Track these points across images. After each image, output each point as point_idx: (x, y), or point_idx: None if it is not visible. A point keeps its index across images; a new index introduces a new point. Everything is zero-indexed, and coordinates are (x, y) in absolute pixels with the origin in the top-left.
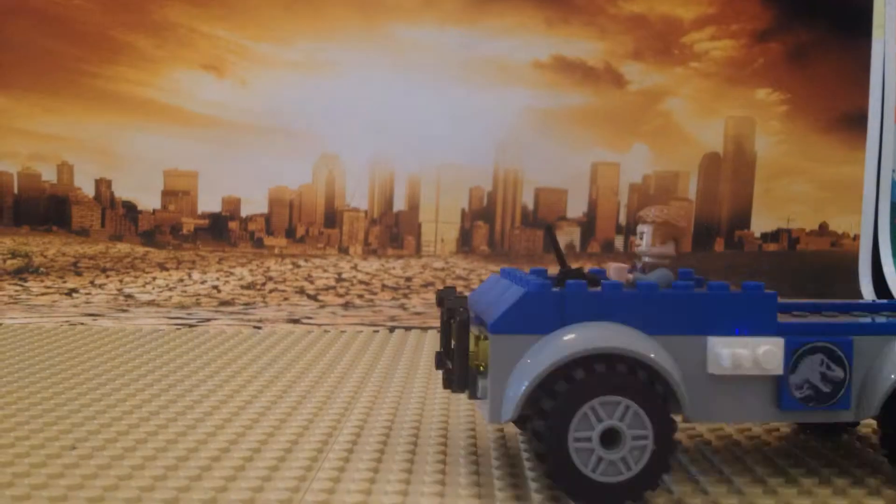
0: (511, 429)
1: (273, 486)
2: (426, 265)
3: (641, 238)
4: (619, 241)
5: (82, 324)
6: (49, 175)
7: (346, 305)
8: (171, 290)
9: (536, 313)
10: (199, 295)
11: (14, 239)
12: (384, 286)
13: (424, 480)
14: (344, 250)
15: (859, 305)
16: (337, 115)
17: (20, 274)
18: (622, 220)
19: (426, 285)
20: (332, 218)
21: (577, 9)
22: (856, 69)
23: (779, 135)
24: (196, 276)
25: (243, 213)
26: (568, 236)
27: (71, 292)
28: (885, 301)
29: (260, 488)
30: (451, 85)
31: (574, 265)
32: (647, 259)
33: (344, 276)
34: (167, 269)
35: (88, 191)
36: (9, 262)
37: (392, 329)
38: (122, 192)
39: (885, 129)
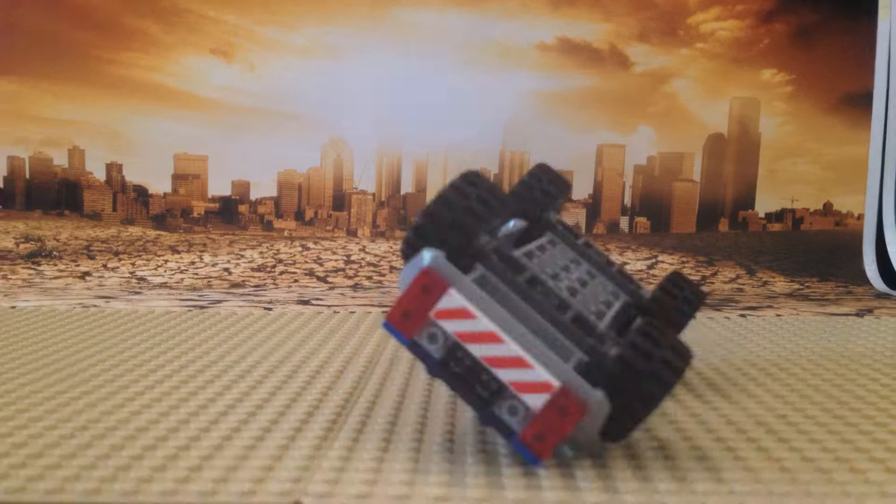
0: None
1: (283, 465)
2: None
3: None
4: (624, 222)
5: (95, 306)
6: (60, 160)
7: (354, 287)
8: (182, 272)
9: None
10: (211, 277)
11: (27, 223)
12: (392, 268)
13: (432, 459)
14: (352, 233)
15: None
16: (344, 98)
17: (33, 258)
18: (627, 201)
19: None
20: (341, 201)
21: None
22: (861, 49)
23: (783, 115)
24: (207, 258)
25: (253, 197)
26: (574, 218)
27: (84, 275)
28: None
29: (270, 468)
30: (457, 68)
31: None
32: None
33: (353, 258)
34: (178, 252)
35: (100, 175)
36: (22, 245)
37: None
38: (133, 176)
39: (890, 109)
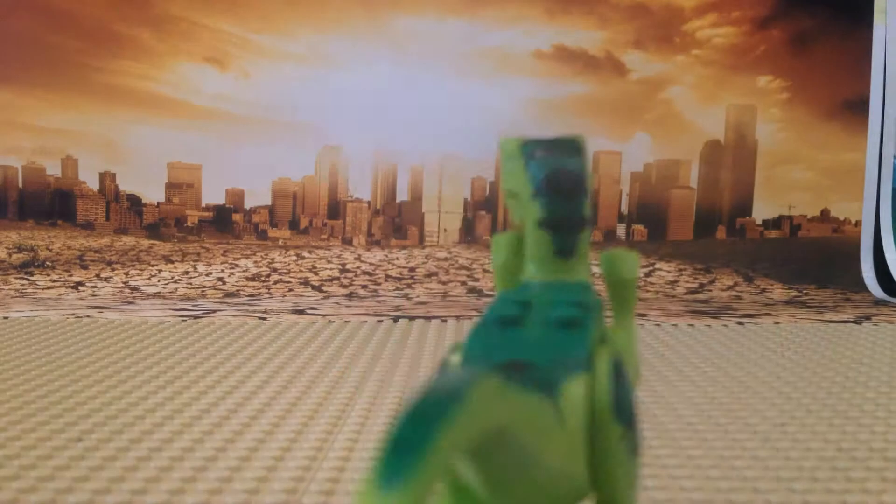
0: None
1: (277, 475)
2: (429, 255)
3: None
4: (620, 230)
5: (88, 316)
6: (53, 169)
7: (350, 296)
8: (176, 282)
9: None
10: (205, 287)
11: (19, 233)
12: (388, 276)
13: None
14: (347, 241)
15: None
16: (339, 106)
17: (26, 268)
18: (624, 208)
19: (430, 275)
20: (336, 209)
21: None
22: (857, 55)
23: (780, 122)
24: (201, 268)
25: (247, 206)
26: None
27: (77, 285)
28: None
29: (264, 478)
30: (453, 75)
31: None
32: None
33: (348, 266)
34: (172, 262)
35: (93, 184)
36: (14, 256)
37: (396, 319)
38: (126, 185)
39: (886, 115)
